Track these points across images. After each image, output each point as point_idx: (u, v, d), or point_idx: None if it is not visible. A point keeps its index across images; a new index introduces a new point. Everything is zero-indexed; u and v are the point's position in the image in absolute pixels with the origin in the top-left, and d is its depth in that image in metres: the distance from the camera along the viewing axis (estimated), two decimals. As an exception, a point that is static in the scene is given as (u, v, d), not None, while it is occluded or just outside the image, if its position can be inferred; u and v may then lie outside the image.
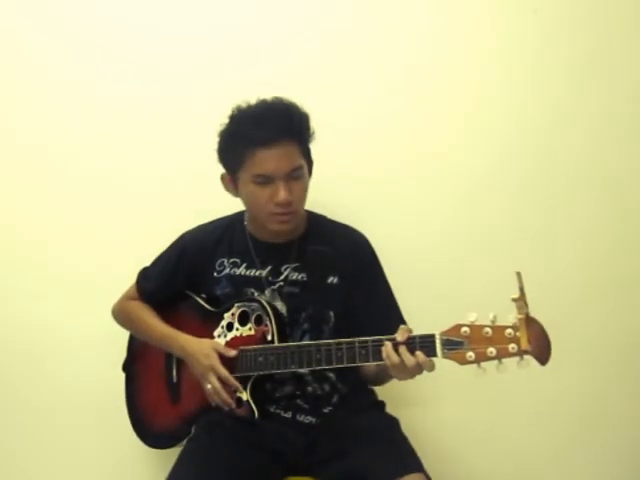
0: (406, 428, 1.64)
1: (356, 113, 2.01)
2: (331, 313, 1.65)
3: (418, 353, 1.38)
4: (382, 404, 1.72)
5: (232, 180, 1.64)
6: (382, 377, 1.65)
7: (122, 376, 1.86)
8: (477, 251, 2.03)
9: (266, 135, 1.54)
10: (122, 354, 1.86)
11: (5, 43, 2.05)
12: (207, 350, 1.60)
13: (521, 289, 1.29)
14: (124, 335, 1.85)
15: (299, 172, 1.58)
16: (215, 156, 1.66)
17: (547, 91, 2.04)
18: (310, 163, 1.66)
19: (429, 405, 1.88)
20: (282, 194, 1.55)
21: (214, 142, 1.65)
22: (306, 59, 2.02)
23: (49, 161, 2.05)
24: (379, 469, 1.45)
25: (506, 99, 2.04)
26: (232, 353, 1.58)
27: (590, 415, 2.05)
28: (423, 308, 1.83)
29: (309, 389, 1.65)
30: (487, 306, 1.93)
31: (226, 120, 1.62)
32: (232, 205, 1.74)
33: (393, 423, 1.65)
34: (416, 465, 1.49)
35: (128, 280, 1.83)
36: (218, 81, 2.02)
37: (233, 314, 1.64)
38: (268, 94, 1.61)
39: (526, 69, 2.03)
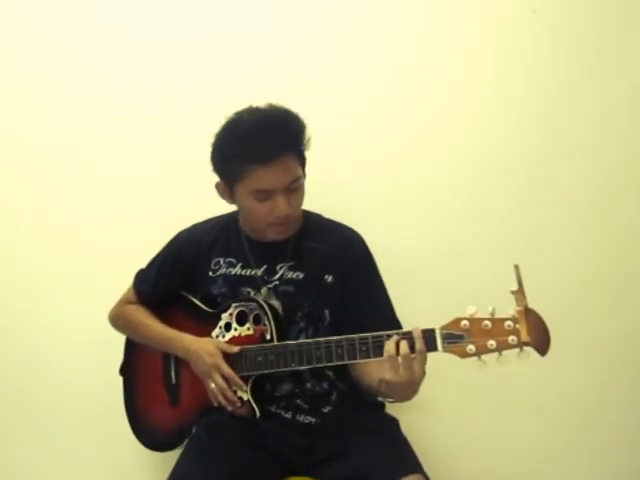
0: (405, 428, 1.64)
1: (354, 115, 2.01)
2: (326, 312, 1.65)
3: (418, 344, 1.36)
4: (382, 404, 1.71)
5: (228, 190, 1.63)
6: (379, 389, 1.52)
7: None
8: (476, 249, 2.03)
9: (265, 152, 1.52)
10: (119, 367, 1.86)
11: (5, 43, 2.05)
12: (211, 349, 1.59)
13: (519, 281, 1.30)
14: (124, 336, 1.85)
15: (297, 183, 1.58)
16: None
17: (547, 91, 2.04)
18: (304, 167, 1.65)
19: (428, 406, 1.88)
20: (282, 208, 1.55)
21: (209, 143, 1.63)
22: (304, 62, 2.02)
23: (50, 162, 2.06)
24: (379, 469, 1.45)
25: (506, 99, 2.04)
26: (235, 349, 1.58)
27: (590, 415, 2.05)
28: (421, 306, 1.83)
29: (308, 385, 1.64)
30: (486, 304, 1.94)
31: (219, 130, 1.60)
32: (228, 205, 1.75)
33: (393, 423, 1.65)
34: (415, 466, 1.49)
35: (130, 280, 1.83)
36: (215, 83, 2.02)
37: (231, 314, 1.64)
38: (266, 96, 1.59)
39: (526, 69, 2.03)
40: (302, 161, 1.61)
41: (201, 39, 2.03)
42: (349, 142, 2.01)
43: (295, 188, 1.58)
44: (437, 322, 1.39)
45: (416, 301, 1.78)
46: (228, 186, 1.62)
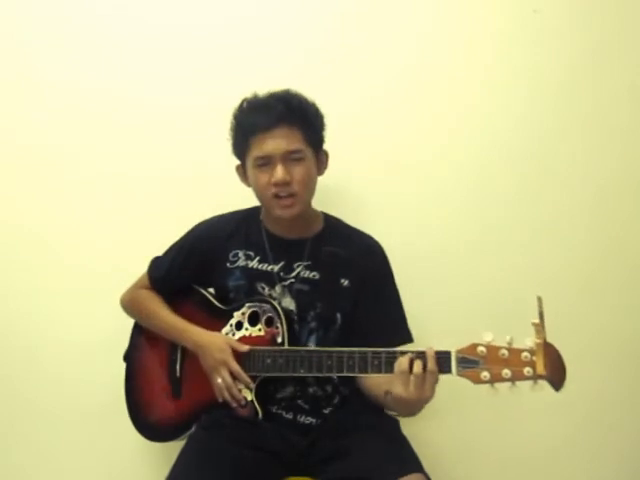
0: (405, 429, 1.65)
1: (360, 114, 2.01)
2: (338, 315, 1.65)
3: (430, 363, 1.37)
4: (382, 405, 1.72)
5: (242, 170, 1.67)
6: (385, 401, 1.54)
7: (123, 375, 1.84)
8: (475, 250, 2.03)
9: (265, 120, 1.57)
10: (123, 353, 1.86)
11: (5, 43, 2.05)
12: (221, 344, 1.60)
13: (540, 314, 1.30)
14: (125, 334, 1.84)
15: (298, 155, 1.60)
16: (221, 153, 1.69)
17: (547, 91, 2.04)
18: (319, 152, 1.67)
19: (428, 407, 1.88)
20: (279, 173, 1.57)
21: (220, 139, 1.67)
22: (310, 59, 2.02)
23: (50, 159, 2.05)
24: (379, 469, 1.46)
25: (506, 99, 2.04)
26: (244, 348, 1.58)
27: (590, 418, 2.06)
28: (420, 305, 1.84)
29: (310, 390, 1.65)
30: (490, 306, 1.94)
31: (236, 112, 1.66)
32: (240, 203, 1.76)
33: (393, 423, 1.65)
34: (416, 465, 1.49)
35: (130, 279, 1.84)
36: (222, 80, 2.01)
37: (243, 313, 1.64)
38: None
39: (526, 69, 2.03)
40: (310, 140, 1.62)
41: (201, 39, 2.02)
42: (349, 142, 2.00)
43: (296, 159, 1.59)
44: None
45: (414, 301, 1.78)
46: (242, 165, 1.66)
